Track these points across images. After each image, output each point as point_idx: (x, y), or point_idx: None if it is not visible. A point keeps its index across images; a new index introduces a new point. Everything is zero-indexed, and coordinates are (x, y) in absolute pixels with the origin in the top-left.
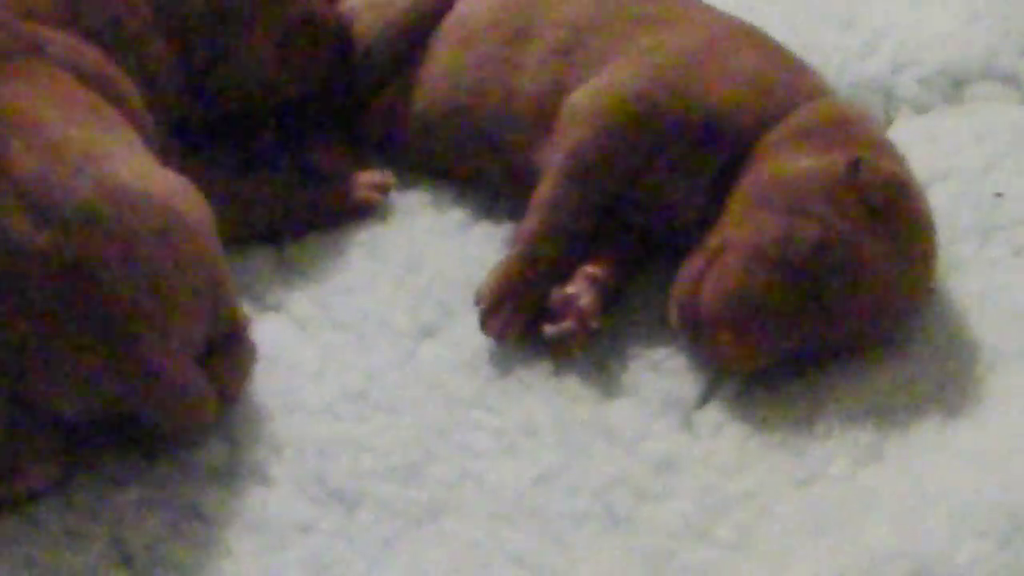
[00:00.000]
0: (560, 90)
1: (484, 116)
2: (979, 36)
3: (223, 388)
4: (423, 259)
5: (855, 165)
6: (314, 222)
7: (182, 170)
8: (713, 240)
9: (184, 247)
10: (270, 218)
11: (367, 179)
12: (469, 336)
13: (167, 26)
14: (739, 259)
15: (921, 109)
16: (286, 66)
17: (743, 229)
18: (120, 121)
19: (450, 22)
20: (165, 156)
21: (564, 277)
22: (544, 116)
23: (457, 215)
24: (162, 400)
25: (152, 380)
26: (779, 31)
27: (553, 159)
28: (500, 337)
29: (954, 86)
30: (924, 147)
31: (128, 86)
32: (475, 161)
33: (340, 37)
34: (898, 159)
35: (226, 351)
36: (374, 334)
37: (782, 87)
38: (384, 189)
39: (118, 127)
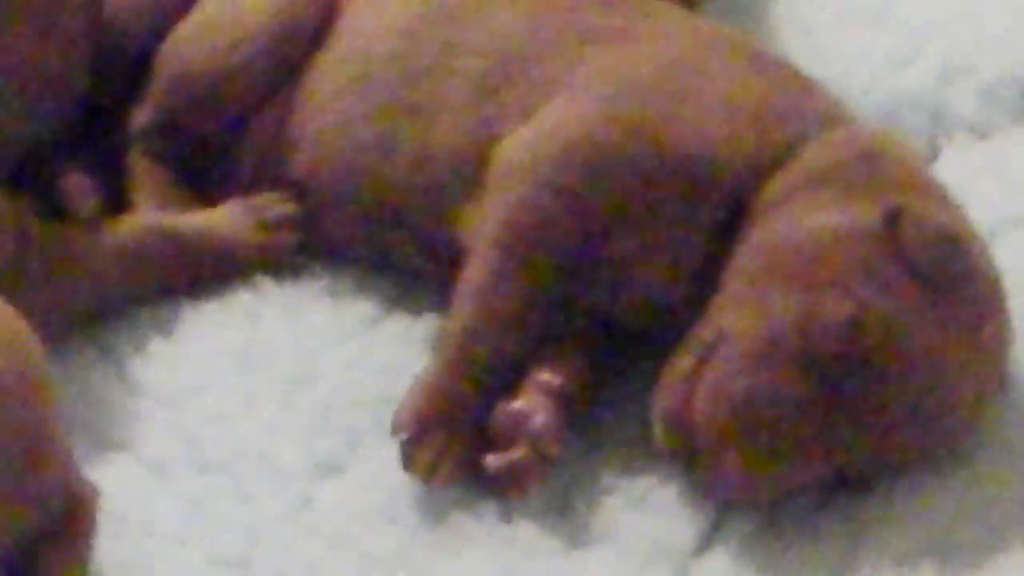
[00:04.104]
0: (488, 139)
1: (389, 180)
2: None
3: None
4: (317, 370)
5: (893, 217)
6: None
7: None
8: (706, 330)
9: None
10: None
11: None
12: (385, 475)
13: None
14: (742, 354)
15: (982, 132)
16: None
17: (745, 313)
18: None
19: (335, 52)
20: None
21: (509, 389)
22: (468, 175)
23: (361, 308)
24: None
25: None
26: (786, 33)
27: (483, 231)
28: (429, 476)
29: None
30: (987, 184)
31: None
32: (381, 236)
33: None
34: (950, 205)
35: (56, 540)
36: (254, 476)
37: (786, 115)
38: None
39: None
